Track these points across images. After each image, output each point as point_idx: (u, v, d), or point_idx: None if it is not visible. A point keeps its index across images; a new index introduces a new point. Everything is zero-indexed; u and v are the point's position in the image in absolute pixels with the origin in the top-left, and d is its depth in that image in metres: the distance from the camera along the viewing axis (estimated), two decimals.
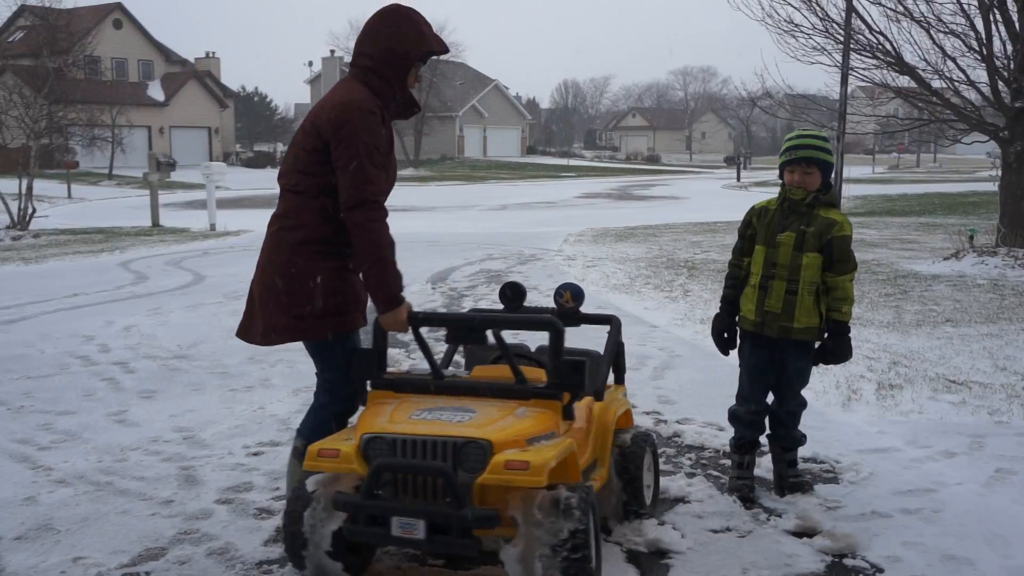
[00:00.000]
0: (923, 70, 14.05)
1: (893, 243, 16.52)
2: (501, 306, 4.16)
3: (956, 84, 13.99)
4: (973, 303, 9.80)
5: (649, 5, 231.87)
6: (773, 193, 4.58)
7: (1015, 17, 12.98)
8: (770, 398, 4.51)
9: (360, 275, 3.64)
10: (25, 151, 22.33)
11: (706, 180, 52.59)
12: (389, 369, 3.75)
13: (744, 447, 4.50)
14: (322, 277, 3.62)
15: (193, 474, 4.70)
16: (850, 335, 4.33)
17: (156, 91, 59.60)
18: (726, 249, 14.88)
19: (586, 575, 3.09)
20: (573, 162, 72.55)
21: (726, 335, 4.51)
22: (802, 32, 14.94)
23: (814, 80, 50.51)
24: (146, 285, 11.64)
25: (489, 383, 3.55)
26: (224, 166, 24.36)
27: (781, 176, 4.39)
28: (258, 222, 3.94)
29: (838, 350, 4.30)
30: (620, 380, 4.30)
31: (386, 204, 3.63)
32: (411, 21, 3.68)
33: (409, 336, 5.97)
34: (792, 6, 14.90)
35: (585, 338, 4.46)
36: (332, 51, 62.84)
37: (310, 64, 75.40)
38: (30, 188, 20.21)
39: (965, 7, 13.33)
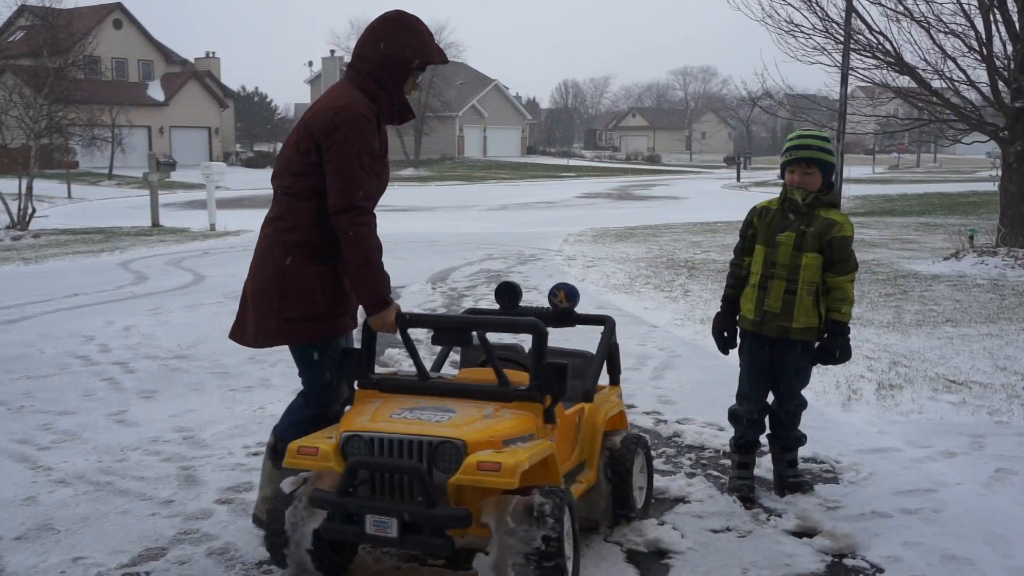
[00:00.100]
0: (923, 70, 14.06)
1: (893, 243, 16.52)
2: (499, 306, 4.16)
3: (956, 84, 13.99)
4: (973, 303, 9.80)
5: (649, 5, 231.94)
6: (773, 193, 4.58)
7: (1015, 17, 12.98)
8: (770, 398, 4.51)
9: (350, 279, 3.64)
10: (25, 151, 22.32)
11: (706, 180, 52.59)
12: (384, 369, 3.77)
13: (744, 447, 4.50)
14: (313, 281, 3.64)
15: (193, 474, 4.70)
16: (850, 336, 4.32)
17: (156, 91, 59.61)
18: (726, 249, 14.89)
19: None
20: (573, 162, 72.55)
21: (726, 334, 4.52)
22: (802, 32, 14.96)
23: (814, 80, 50.54)
24: (146, 285, 11.64)
25: (471, 385, 3.56)
26: (224, 166, 24.38)
27: (782, 176, 4.39)
28: (258, 222, 3.91)
29: (837, 351, 4.30)
30: (615, 381, 4.28)
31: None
32: (413, 29, 3.68)
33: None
34: (792, 6, 14.94)
35: (586, 339, 4.46)
36: (332, 51, 62.78)
37: (310, 64, 75.50)
38: (30, 188, 20.23)
39: (965, 7, 13.35)
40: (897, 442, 5.20)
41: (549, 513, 3.10)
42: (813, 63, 15.40)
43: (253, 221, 19.84)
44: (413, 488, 3.18)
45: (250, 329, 3.75)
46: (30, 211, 20.07)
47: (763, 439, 4.56)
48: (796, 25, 14.93)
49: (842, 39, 14.97)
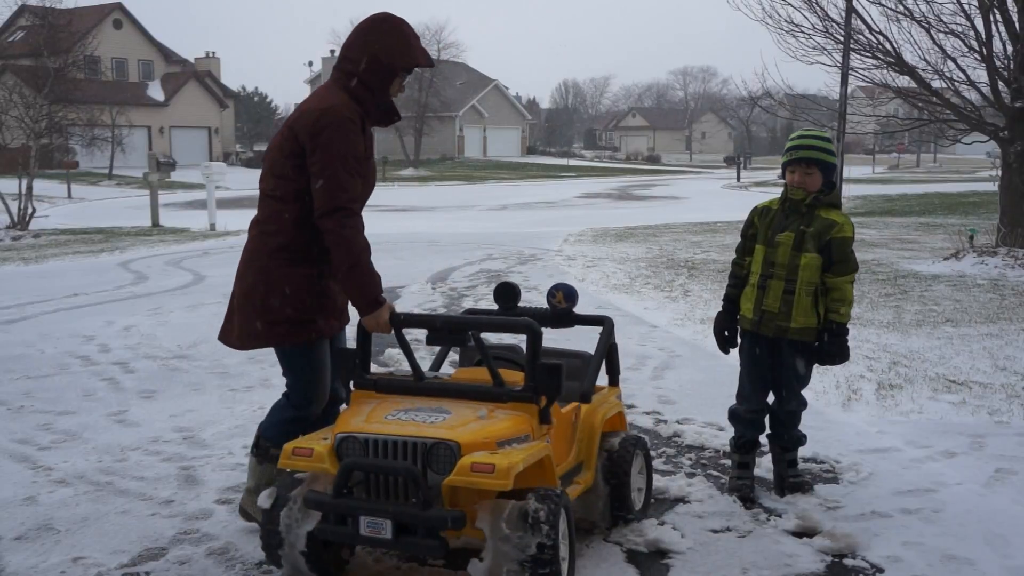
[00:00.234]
0: (923, 70, 14.06)
1: (893, 243, 16.52)
2: (497, 307, 4.16)
3: (956, 84, 13.99)
4: (973, 303, 9.81)
5: (649, 5, 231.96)
6: (773, 193, 4.58)
7: (1015, 17, 12.98)
8: (771, 398, 4.51)
9: (340, 281, 3.64)
10: (25, 151, 22.32)
11: (706, 180, 52.59)
12: (382, 370, 3.77)
13: (744, 447, 4.50)
14: (296, 284, 3.65)
15: (193, 474, 4.70)
16: (848, 336, 4.32)
17: (156, 91, 59.62)
18: (726, 249, 14.89)
19: None
20: (573, 162, 72.54)
21: (727, 334, 4.52)
22: (802, 32, 14.96)
23: (814, 80, 50.56)
24: (146, 285, 11.64)
25: (466, 385, 3.55)
26: (224, 166, 24.36)
27: (783, 176, 4.39)
28: None
29: (835, 351, 4.29)
30: (614, 382, 4.27)
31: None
32: (400, 32, 3.69)
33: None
34: (792, 6, 14.93)
35: (587, 339, 4.46)
36: (332, 51, 62.76)
37: (310, 64, 75.51)
38: (30, 188, 20.22)
39: (965, 7, 13.35)
40: (897, 442, 5.20)
41: (544, 519, 3.09)
42: (813, 63, 15.41)
43: None
44: (408, 490, 3.18)
45: (235, 331, 3.78)
46: (30, 211, 20.07)
47: (763, 439, 4.56)
48: (796, 25, 14.95)
49: (842, 39, 14.97)
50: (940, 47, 13.79)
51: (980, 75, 13.93)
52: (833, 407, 5.91)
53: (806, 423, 4.60)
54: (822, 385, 6.23)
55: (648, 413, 5.80)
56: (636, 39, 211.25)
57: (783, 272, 4.27)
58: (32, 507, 4.25)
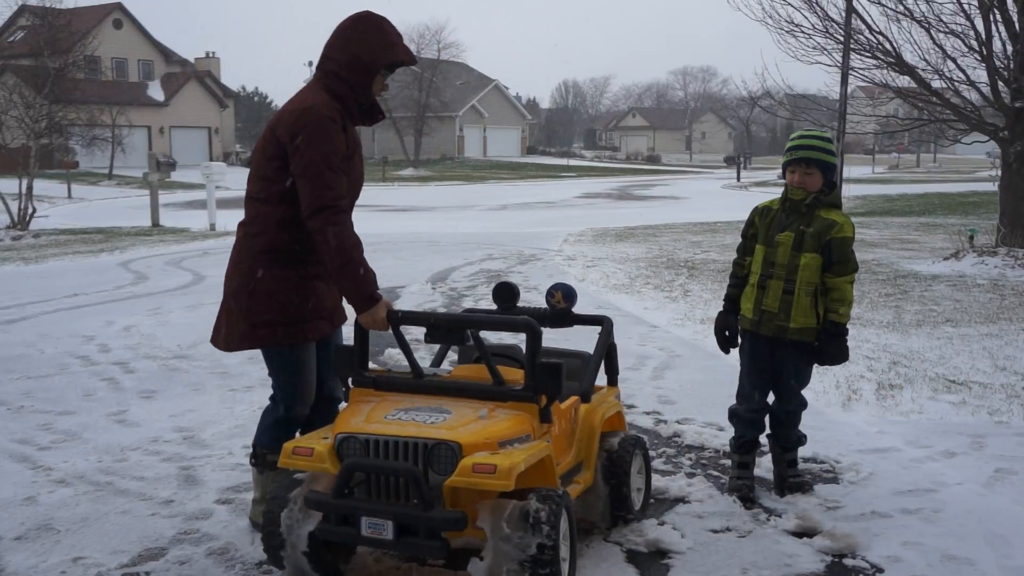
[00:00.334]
0: (923, 70, 14.05)
1: (893, 243, 16.52)
2: (496, 306, 4.15)
3: (956, 84, 13.99)
4: (973, 303, 9.81)
5: (649, 5, 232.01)
6: (773, 193, 4.58)
7: (1015, 17, 12.97)
8: (771, 398, 4.50)
9: (334, 280, 3.64)
10: (25, 151, 22.31)
11: (706, 180, 52.58)
12: (385, 367, 3.76)
13: (744, 447, 4.50)
14: (281, 286, 3.65)
15: (193, 474, 4.70)
16: (847, 337, 4.31)
17: (156, 91, 59.62)
18: (726, 249, 14.90)
19: None
20: (573, 162, 72.53)
21: (728, 334, 4.52)
22: (802, 32, 14.95)
23: (814, 80, 50.47)
24: (146, 285, 11.64)
25: (466, 384, 3.54)
26: (224, 166, 24.30)
27: (784, 176, 4.39)
28: None
29: (834, 352, 4.29)
30: (613, 382, 4.26)
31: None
32: (380, 30, 3.68)
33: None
34: (792, 6, 14.92)
35: (587, 340, 4.46)
36: None
37: (310, 64, 75.30)
38: (30, 188, 20.22)
39: (965, 7, 13.34)
40: (897, 442, 5.20)
41: (545, 520, 3.09)
42: (813, 63, 15.40)
43: None
44: (409, 490, 3.17)
45: (222, 332, 3.78)
46: (30, 211, 20.06)
47: (763, 439, 4.56)
48: (796, 25, 14.94)
49: (842, 39, 14.97)
50: (940, 47, 13.80)
51: (980, 75, 13.94)
52: (833, 407, 5.91)
53: (806, 423, 4.60)
54: (822, 385, 6.23)
55: (648, 413, 5.80)
56: (636, 39, 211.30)
57: (783, 272, 4.26)
58: (32, 507, 4.25)
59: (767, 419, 4.50)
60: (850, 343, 4.37)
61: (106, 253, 15.55)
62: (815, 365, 4.43)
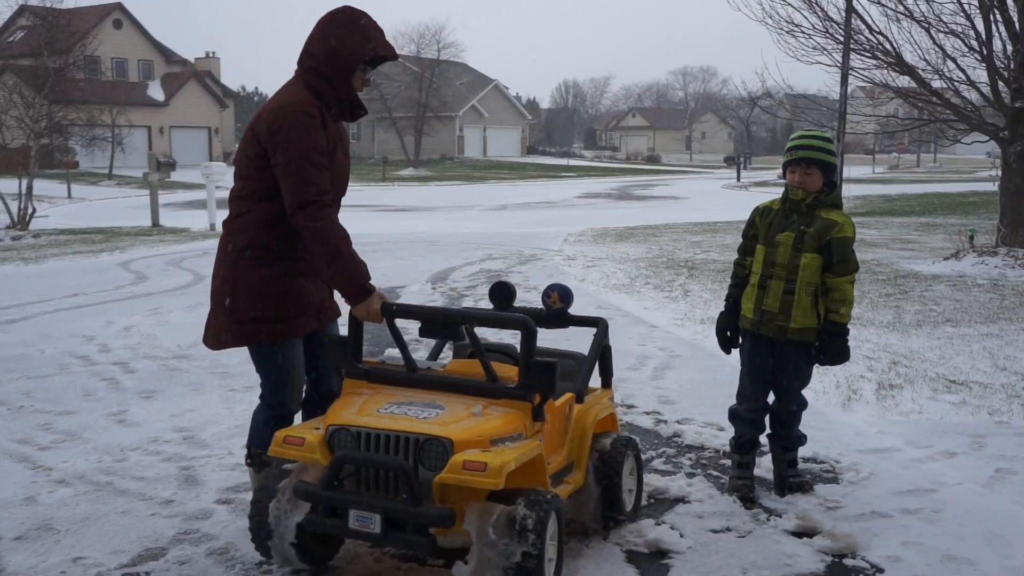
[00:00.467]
0: (923, 70, 14.06)
1: (893, 243, 16.52)
2: (492, 306, 4.15)
3: (956, 84, 13.99)
4: (973, 303, 9.81)
5: (649, 5, 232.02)
6: (773, 193, 4.58)
7: (1015, 17, 12.98)
8: (771, 398, 4.50)
9: (325, 274, 3.64)
10: (25, 151, 22.33)
11: (706, 180, 52.58)
12: (378, 359, 3.76)
13: (744, 447, 4.50)
14: (264, 283, 3.65)
15: (193, 474, 4.70)
16: (848, 337, 4.31)
17: (156, 91, 59.61)
18: (726, 249, 14.90)
19: None
20: (573, 162, 72.51)
21: (729, 334, 4.52)
22: (802, 32, 14.96)
23: (814, 80, 50.56)
24: (146, 285, 11.64)
25: (460, 379, 3.52)
26: (224, 166, 24.26)
27: (784, 176, 4.39)
28: None
29: (834, 351, 4.29)
30: (607, 383, 4.25)
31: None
32: (358, 25, 3.67)
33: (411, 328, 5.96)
34: (792, 6, 14.94)
35: (586, 340, 4.45)
36: None
37: None
38: (30, 188, 20.22)
39: (965, 7, 13.35)
40: (897, 442, 5.20)
41: (531, 528, 3.07)
42: (813, 63, 15.41)
43: None
44: (398, 485, 3.16)
45: (210, 331, 3.79)
46: (30, 211, 20.06)
47: (763, 439, 4.56)
48: (796, 25, 14.95)
49: (842, 39, 14.97)
50: (940, 47, 13.81)
51: (980, 75, 13.94)
52: (833, 407, 5.91)
53: (806, 423, 4.60)
54: (822, 385, 6.23)
55: (648, 413, 5.80)
56: (636, 39, 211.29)
57: (783, 272, 4.27)
58: (32, 507, 4.25)
59: (767, 419, 4.50)
60: (850, 343, 4.37)
61: (106, 253, 15.54)
62: (815, 365, 4.43)
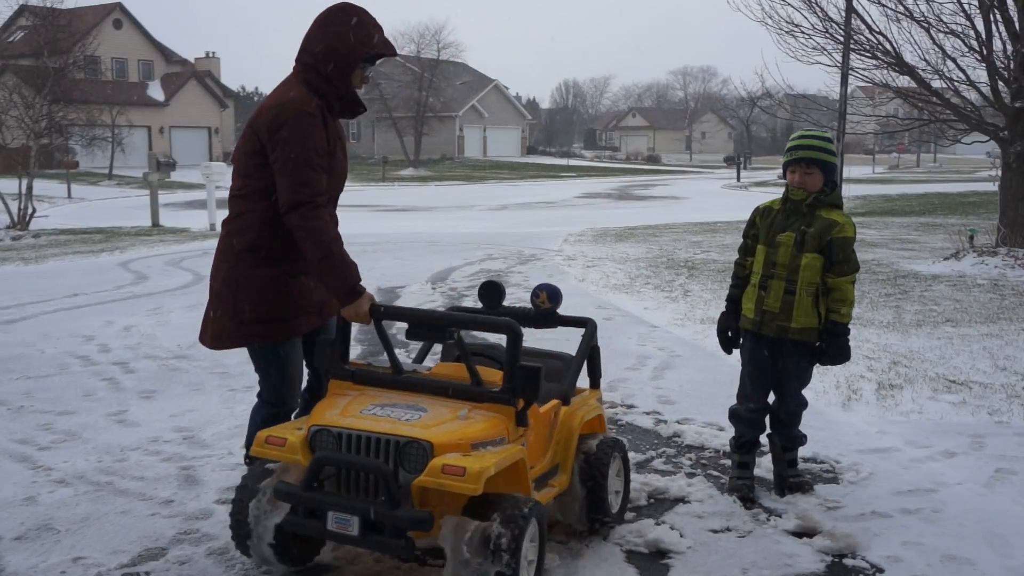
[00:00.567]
0: (923, 70, 14.06)
1: (893, 243, 16.52)
2: (482, 305, 4.14)
3: (956, 84, 13.99)
4: (973, 303, 9.81)
5: (649, 5, 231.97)
6: (773, 193, 4.58)
7: (1015, 17, 12.98)
8: (771, 398, 4.50)
9: (315, 275, 3.63)
10: (25, 151, 22.32)
11: (706, 180, 52.58)
12: (364, 361, 3.75)
13: (744, 447, 4.50)
14: (263, 284, 3.65)
15: (193, 474, 4.70)
16: (848, 337, 4.31)
17: (156, 91, 59.61)
18: (726, 249, 14.90)
19: None
20: (573, 162, 72.51)
21: (729, 334, 4.52)
22: (802, 32, 14.96)
23: (814, 80, 50.56)
24: (146, 285, 11.64)
25: (444, 382, 3.49)
26: (224, 166, 24.25)
27: (784, 176, 4.39)
28: None
29: (835, 351, 4.29)
30: (595, 384, 4.21)
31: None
32: (358, 21, 3.65)
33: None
34: (792, 6, 14.94)
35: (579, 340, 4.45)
36: None
37: None
38: (30, 188, 20.21)
39: (965, 7, 13.35)
40: (897, 442, 5.20)
41: (505, 547, 3.04)
42: (813, 63, 15.41)
43: None
44: (378, 487, 3.15)
45: (209, 331, 3.78)
46: (30, 211, 20.06)
47: (763, 439, 4.56)
48: (796, 25, 14.95)
49: (842, 39, 14.97)
50: (940, 47, 13.80)
51: (980, 75, 13.94)
52: (833, 407, 5.91)
53: (806, 423, 4.60)
54: (822, 385, 6.23)
55: (648, 413, 5.80)
56: (636, 39, 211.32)
57: (784, 272, 4.27)
58: (32, 507, 4.25)
59: (767, 419, 4.50)
60: (850, 343, 4.36)
61: (106, 253, 15.54)
62: (815, 365, 4.43)
